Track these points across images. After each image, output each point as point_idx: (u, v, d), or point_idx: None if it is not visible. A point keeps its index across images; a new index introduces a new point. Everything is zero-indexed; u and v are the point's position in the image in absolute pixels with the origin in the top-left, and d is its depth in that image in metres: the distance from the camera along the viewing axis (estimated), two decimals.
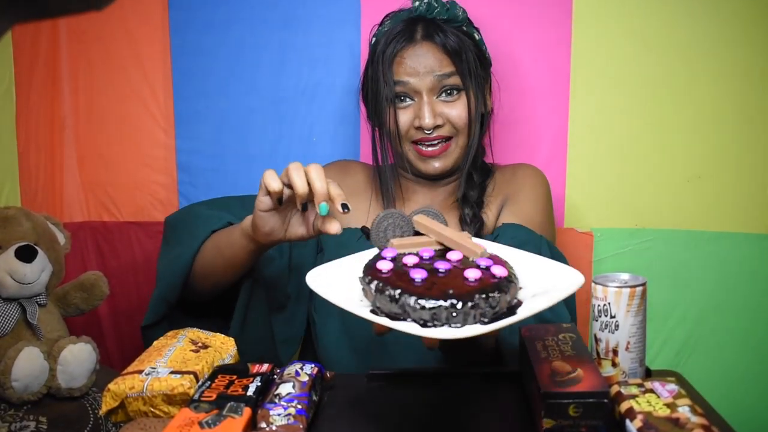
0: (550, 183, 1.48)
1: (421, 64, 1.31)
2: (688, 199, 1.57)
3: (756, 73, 1.51)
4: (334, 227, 1.03)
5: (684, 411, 0.79)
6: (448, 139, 1.35)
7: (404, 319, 0.82)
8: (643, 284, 0.94)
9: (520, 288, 0.87)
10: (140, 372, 0.93)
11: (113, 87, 1.70)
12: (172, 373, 0.92)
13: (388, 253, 0.92)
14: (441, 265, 0.88)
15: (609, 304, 0.94)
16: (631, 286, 0.93)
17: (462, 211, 1.36)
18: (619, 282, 0.95)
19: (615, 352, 0.94)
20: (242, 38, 1.65)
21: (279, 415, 0.83)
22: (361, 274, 0.89)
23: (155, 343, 1.05)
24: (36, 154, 1.66)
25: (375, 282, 0.85)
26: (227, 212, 1.32)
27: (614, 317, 0.94)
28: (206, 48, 1.66)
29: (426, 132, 1.33)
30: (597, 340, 0.96)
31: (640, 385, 0.87)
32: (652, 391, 0.85)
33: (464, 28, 1.36)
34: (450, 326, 0.80)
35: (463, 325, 0.80)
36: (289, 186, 1.03)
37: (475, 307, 0.80)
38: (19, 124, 1.61)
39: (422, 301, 0.81)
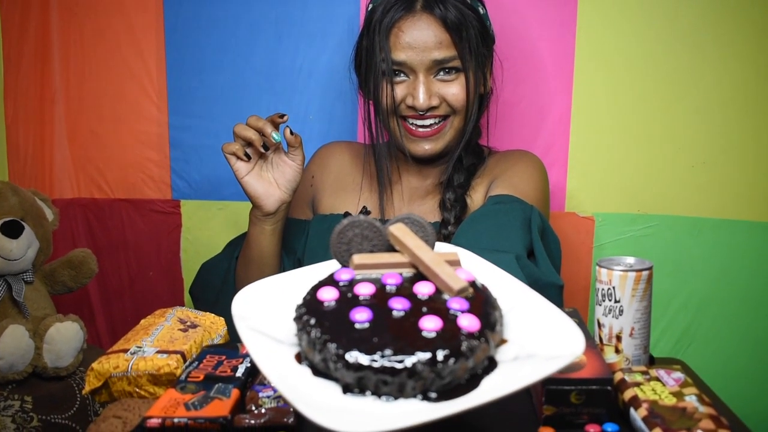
0: (551, 166, 1.45)
1: (419, 41, 1.24)
2: (692, 185, 1.53)
3: (763, 60, 1.47)
4: (287, 134, 1.21)
5: (691, 400, 0.76)
6: (444, 118, 1.29)
7: (326, 376, 0.65)
8: (650, 268, 0.91)
9: (504, 342, 0.69)
10: (125, 351, 0.90)
11: (105, 61, 1.67)
12: (158, 352, 0.89)
13: (343, 275, 0.72)
14: (398, 303, 0.68)
15: (613, 288, 0.90)
16: (637, 270, 0.90)
17: (443, 195, 1.32)
18: (624, 265, 0.92)
19: (618, 338, 0.91)
20: (237, 12, 1.60)
21: (268, 397, 0.79)
22: (301, 302, 0.71)
23: (142, 321, 1.02)
24: (24, 128, 1.62)
25: (305, 316, 0.68)
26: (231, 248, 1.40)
27: (618, 302, 0.90)
28: (201, 22, 1.62)
29: (419, 112, 1.27)
30: (600, 326, 0.93)
31: (644, 373, 0.83)
32: (657, 379, 0.82)
33: (468, 1, 1.28)
34: (380, 398, 0.62)
35: (396, 399, 0.62)
36: (246, 143, 1.21)
37: (415, 377, 0.62)
38: (7, 97, 1.57)
39: (348, 355, 0.63)
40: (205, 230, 1.68)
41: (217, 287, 1.33)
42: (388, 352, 0.63)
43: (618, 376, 0.83)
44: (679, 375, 0.82)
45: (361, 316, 0.66)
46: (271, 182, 1.24)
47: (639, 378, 0.82)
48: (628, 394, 0.79)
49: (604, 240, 1.57)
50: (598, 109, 1.54)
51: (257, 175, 1.23)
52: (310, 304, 0.69)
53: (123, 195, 1.70)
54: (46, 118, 1.67)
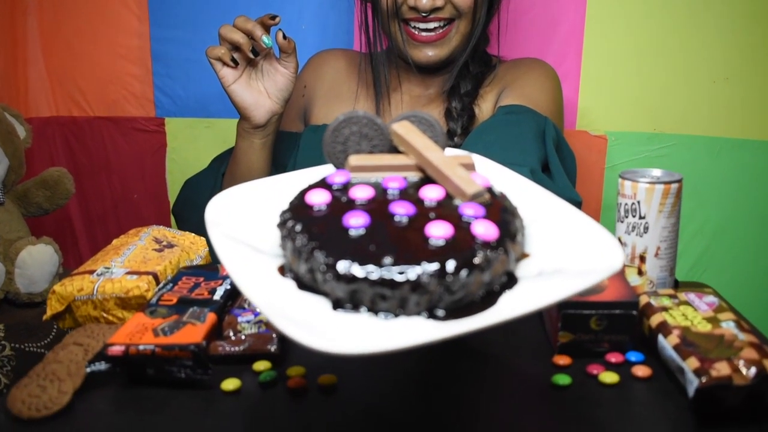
0: (562, 80, 1.34)
1: None
2: (713, 102, 1.43)
3: None
4: (279, 39, 1.10)
5: (729, 327, 0.67)
6: (449, 22, 1.18)
7: (314, 291, 0.56)
8: (679, 181, 0.81)
9: (525, 256, 0.59)
10: (91, 272, 0.81)
11: None
12: (128, 273, 0.80)
13: (337, 178, 0.63)
14: (401, 209, 0.58)
15: (638, 202, 0.80)
16: (665, 183, 0.80)
17: (449, 104, 1.22)
18: (651, 178, 0.82)
19: (642, 258, 0.82)
20: None
21: (248, 322, 0.71)
22: (286, 207, 0.62)
23: (114, 241, 0.93)
24: None
25: (290, 222, 0.59)
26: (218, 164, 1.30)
27: (644, 218, 0.80)
28: None
29: (422, 14, 1.15)
30: (622, 245, 0.83)
31: (672, 296, 0.74)
32: (687, 303, 0.73)
33: None
34: (376, 315, 0.54)
35: (397, 316, 0.53)
36: (233, 47, 1.10)
37: (420, 290, 0.53)
38: None
39: (339, 265, 0.53)
40: (192, 150, 1.59)
41: (202, 207, 1.24)
42: (387, 261, 0.53)
43: (643, 299, 0.74)
44: (712, 299, 0.73)
45: (356, 222, 0.57)
46: (260, 91, 1.14)
47: (667, 302, 0.73)
48: (655, 320, 0.70)
49: (617, 160, 1.49)
50: (614, 19, 1.43)
51: (245, 84, 1.12)
52: (297, 209, 0.60)
53: (103, 113, 1.61)
54: (18, 32, 1.57)
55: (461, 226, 0.56)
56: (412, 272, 0.53)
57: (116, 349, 0.65)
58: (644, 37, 1.43)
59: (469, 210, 0.58)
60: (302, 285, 0.56)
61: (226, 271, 0.57)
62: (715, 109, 1.44)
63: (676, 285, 0.87)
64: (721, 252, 1.47)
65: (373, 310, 0.53)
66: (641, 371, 0.67)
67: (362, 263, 0.53)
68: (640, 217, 0.81)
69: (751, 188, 1.45)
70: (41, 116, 1.60)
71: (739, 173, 1.45)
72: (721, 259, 1.47)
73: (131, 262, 0.84)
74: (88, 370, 0.65)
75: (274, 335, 0.70)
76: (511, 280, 0.56)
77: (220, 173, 1.25)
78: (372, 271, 0.53)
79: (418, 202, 0.59)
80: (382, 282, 0.53)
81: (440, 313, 0.53)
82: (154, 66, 1.57)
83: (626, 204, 0.82)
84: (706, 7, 1.40)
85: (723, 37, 1.41)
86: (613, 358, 0.70)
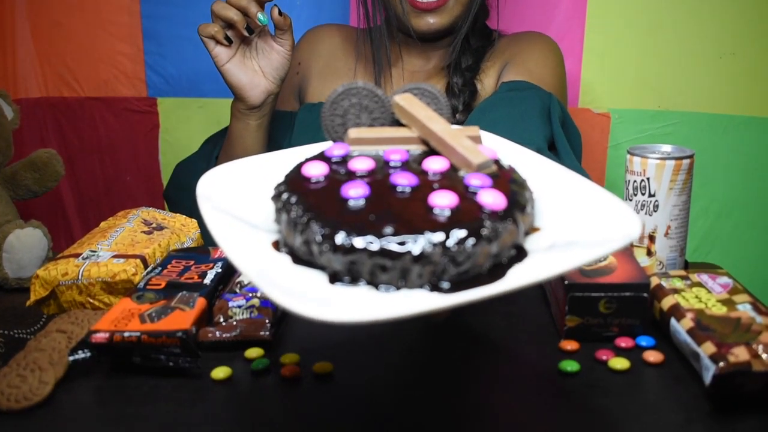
0: (564, 56, 1.31)
1: None
2: (719, 78, 1.40)
3: None
4: (275, 15, 1.05)
5: (745, 309, 0.64)
6: None
7: (310, 265, 0.53)
8: (691, 156, 0.78)
9: (536, 230, 0.57)
10: (76, 256, 0.78)
11: None
12: (114, 257, 0.77)
13: (336, 151, 0.60)
14: (403, 179, 0.55)
15: (648, 179, 0.77)
16: (676, 158, 0.77)
17: (450, 79, 1.18)
18: (660, 153, 0.78)
19: (652, 238, 0.78)
20: None
21: (239, 307, 0.68)
22: (281, 180, 0.59)
23: (102, 224, 0.90)
24: None
25: (285, 194, 0.56)
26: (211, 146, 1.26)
27: (653, 196, 0.77)
28: None
29: None
30: None
31: (684, 278, 0.71)
32: (700, 284, 0.69)
33: None
34: (377, 288, 0.50)
35: (398, 289, 0.50)
36: (226, 25, 1.05)
37: (423, 260, 0.50)
38: None
39: (337, 236, 0.51)
40: (185, 130, 1.55)
41: (194, 190, 1.20)
42: (387, 231, 0.50)
43: (654, 281, 0.71)
44: (726, 280, 0.70)
45: (355, 192, 0.54)
46: (255, 71, 1.10)
47: (678, 284, 0.70)
48: (667, 303, 0.67)
49: (620, 139, 1.45)
50: None
51: (240, 63, 1.08)
52: (293, 181, 0.57)
53: (94, 93, 1.57)
54: (6, 10, 1.53)
55: (467, 196, 0.54)
56: (416, 242, 0.49)
57: (100, 337, 0.62)
58: (649, 11, 1.39)
59: (475, 180, 0.55)
60: (298, 259, 0.53)
61: (217, 244, 0.54)
62: (722, 86, 1.40)
63: (686, 266, 0.84)
64: (726, 231, 1.44)
65: (373, 283, 0.50)
66: (653, 356, 0.64)
67: (361, 233, 0.50)
68: (650, 195, 0.77)
69: (758, 167, 1.41)
70: (31, 97, 1.56)
71: (745, 151, 1.41)
72: (727, 239, 1.44)
73: (119, 245, 0.80)
74: (71, 358, 0.62)
75: (266, 320, 0.67)
76: (520, 254, 0.53)
77: (213, 156, 1.22)
78: (371, 242, 0.50)
79: (422, 174, 0.57)
80: (383, 253, 0.49)
81: (445, 285, 0.50)
82: (145, 44, 1.53)
83: (635, 181, 0.78)
84: None
85: (730, 11, 1.37)
86: (623, 342, 0.67)
